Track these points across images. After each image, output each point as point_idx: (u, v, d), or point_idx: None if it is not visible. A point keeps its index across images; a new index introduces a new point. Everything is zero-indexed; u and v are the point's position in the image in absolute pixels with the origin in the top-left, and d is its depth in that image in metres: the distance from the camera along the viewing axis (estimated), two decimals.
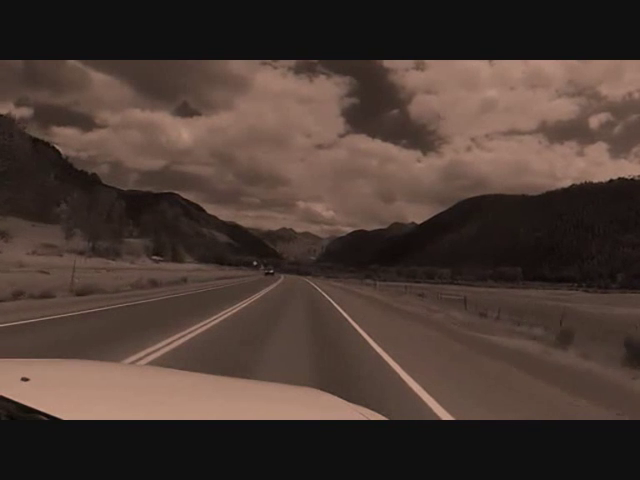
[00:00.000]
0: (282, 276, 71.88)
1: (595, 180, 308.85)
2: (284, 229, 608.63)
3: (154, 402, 1.14)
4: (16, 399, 0.87)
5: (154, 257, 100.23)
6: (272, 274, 75.90)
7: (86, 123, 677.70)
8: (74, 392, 1.14)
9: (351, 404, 1.31)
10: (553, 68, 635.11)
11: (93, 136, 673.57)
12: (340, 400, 1.36)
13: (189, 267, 76.57)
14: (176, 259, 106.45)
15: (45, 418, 0.83)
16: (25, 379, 1.06)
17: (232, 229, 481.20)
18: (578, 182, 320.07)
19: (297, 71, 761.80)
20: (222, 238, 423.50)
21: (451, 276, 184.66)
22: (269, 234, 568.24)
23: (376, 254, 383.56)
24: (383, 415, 1.24)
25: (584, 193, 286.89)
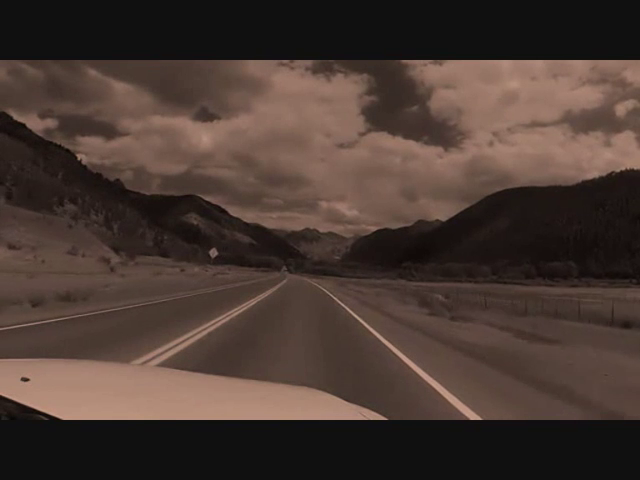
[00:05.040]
0: (286, 276, 55.44)
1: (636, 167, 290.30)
2: (307, 229, 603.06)
3: (153, 402, 1.14)
4: (16, 399, 0.87)
5: None
6: (288, 271, 63.17)
7: (109, 131, 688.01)
8: (74, 392, 1.13)
9: (351, 404, 1.30)
10: None
11: (116, 144, 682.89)
12: (340, 400, 1.34)
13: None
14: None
15: (45, 418, 0.82)
16: (25, 379, 1.06)
17: (255, 230, 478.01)
18: (618, 169, 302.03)
19: (314, 71, 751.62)
20: (245, 239, 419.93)
21: (493, 273, 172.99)
22: (293, 235, 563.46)
23: (402, 252, 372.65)
24: (384, 415, 1.24)
25: (625, 180, 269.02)
